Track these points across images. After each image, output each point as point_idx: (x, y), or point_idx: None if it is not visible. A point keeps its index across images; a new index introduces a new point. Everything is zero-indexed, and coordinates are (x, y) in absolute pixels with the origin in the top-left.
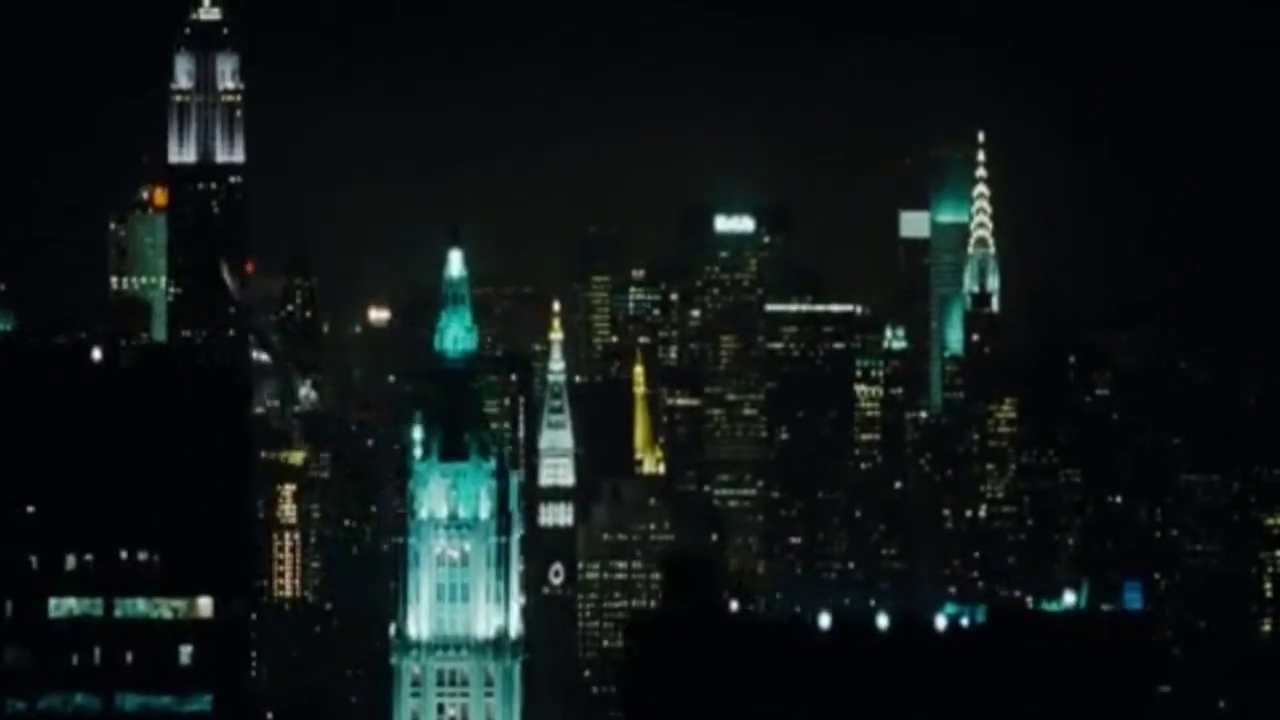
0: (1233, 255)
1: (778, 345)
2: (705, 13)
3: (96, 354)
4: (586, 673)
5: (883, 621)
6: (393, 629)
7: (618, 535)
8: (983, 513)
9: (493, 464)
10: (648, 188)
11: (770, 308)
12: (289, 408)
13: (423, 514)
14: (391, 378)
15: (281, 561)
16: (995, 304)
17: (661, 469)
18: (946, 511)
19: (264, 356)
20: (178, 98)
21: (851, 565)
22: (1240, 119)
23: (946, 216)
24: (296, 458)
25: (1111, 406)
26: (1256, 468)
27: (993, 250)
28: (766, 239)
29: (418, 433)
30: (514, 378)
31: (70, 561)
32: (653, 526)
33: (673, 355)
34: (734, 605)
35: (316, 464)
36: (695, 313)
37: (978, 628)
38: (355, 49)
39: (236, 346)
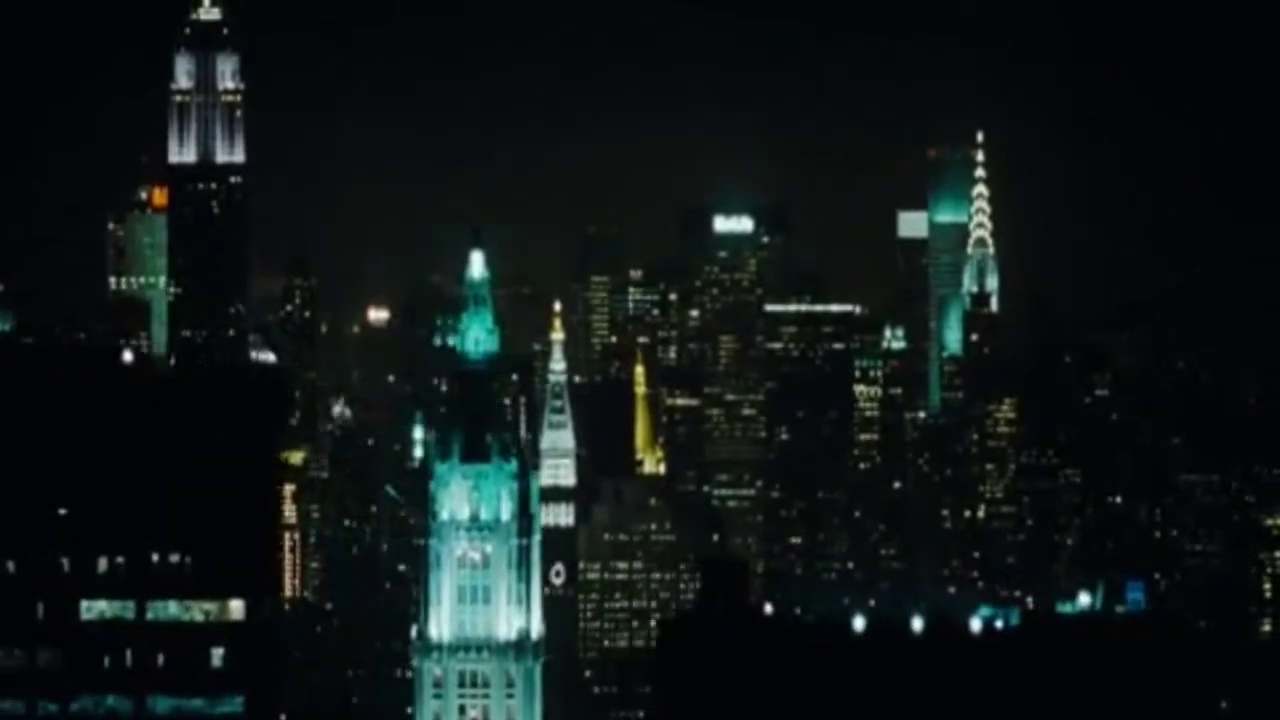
0: (1232, 255)
1: (777, 345)
2: (705, 13)
3: (128, 356)
4: (587, 673)
5: (917, 624)
6: (414, 631)
7: (619, 535)
8: (982, 513)
9: (514, 465)
10: (647, 188)
11: (769, 308)
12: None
13: (444, 516)
14: (391, 377)
15: (281, 562)
16: (994, 304)
17: (662, 469)
18: (945, 512)
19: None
20: (178, 98)
21: (851, 565)
22: (1240, 119)
23: (945, 216)
24: (296, 458)
25: (1111, 407)
26: (1256, 468)
27: (992, 250)
28: (766, 239)
29: (418, 432)
30: (515, 378)
31: (102, 564)
32: (653, 527)
33: (672, 355)
34: (769, 607)
35: (316, 464)
36: (694, 313)
37: (1012, 630)
38: (355, 49)
39: (237, 348)
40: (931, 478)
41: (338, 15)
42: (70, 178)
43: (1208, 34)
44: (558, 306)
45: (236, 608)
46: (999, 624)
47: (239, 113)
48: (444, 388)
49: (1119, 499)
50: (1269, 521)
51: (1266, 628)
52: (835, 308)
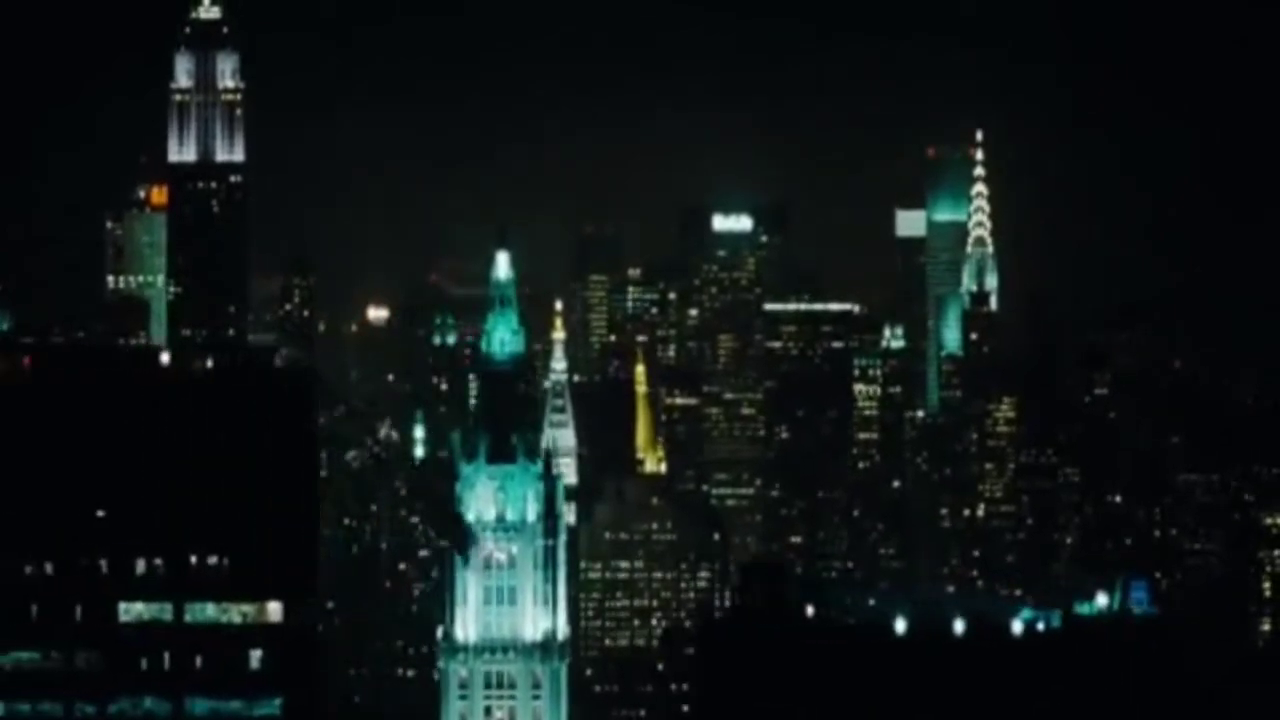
0: (1232, 255)
1: (776, 344)
2: (704, 12)
3: (165, 358)
4: (588, 671)
5: (959, 626)
6: (440, 632)
7: (620, 534)
8: (981, 512)
9: (540, 466)
10: (646, 187)
11: (768, 307)
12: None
13: (470, 516)
14: (390, 376)
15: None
16: (994, 303)
17: (663, 468)
18: (945, 511)
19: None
20: (178, 97)
21: (850, 565)
22: (1240, 119)
23: (944, 215)
24: None
25: (1110, 406)
26: (1255, 467)
27: (991, 249)
28: (765, 238)
29: (419, 431)
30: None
31: (140, 566)
32: (655, 526)
33: (671, 354)
34: (810, 609)
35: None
36: (693, 312)
37: (1053, 632)
38: (355, 49)
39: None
40: (931, 477)
41: (338, 14)
42: (69, 177)
43: (1208, 34)
44: (559, 305)
45: (274, 609)
46: (1040, 626)
47: (239, 112)
48: (444, 386)
49: (1118, 498)
50: (1268, 520)
51: (1266, 627)
52: (834, 307)
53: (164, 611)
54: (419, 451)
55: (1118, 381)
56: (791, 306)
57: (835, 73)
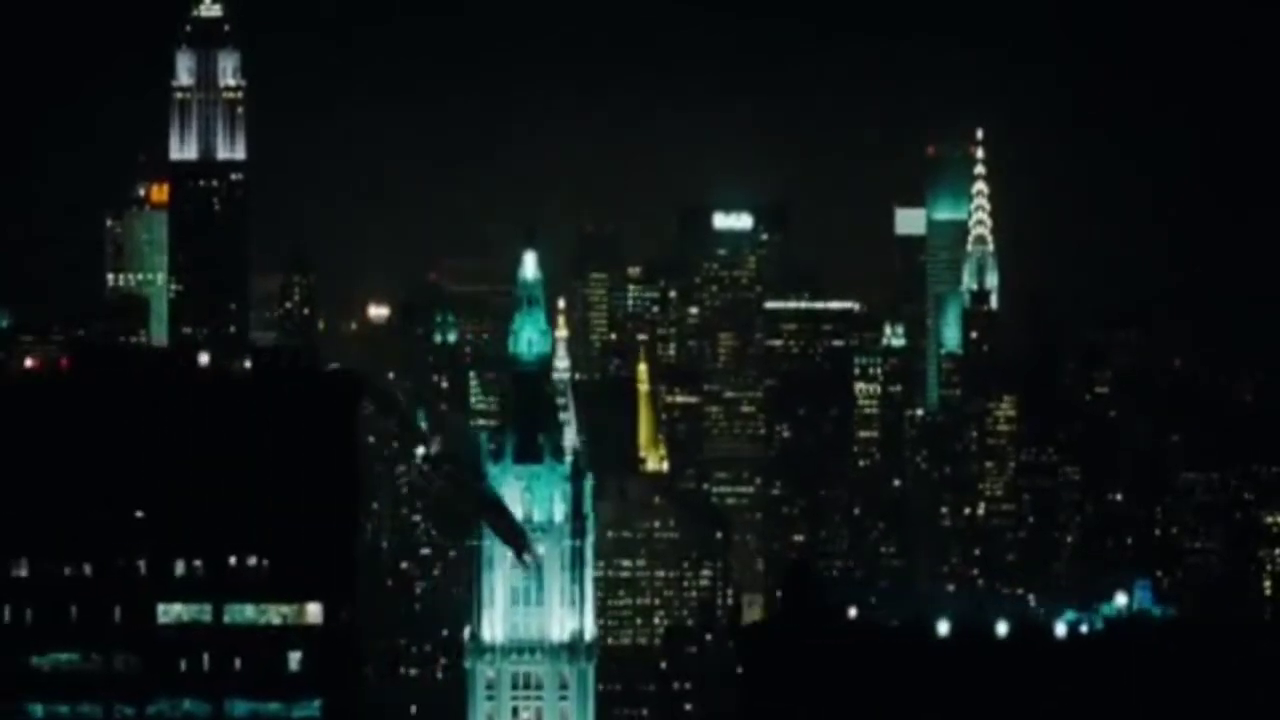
0: (1232, 254)
1: (776, 343)
2: (704, 12)
3: (204, 358)
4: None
5: (1001, 629)
6: (467, 632)
7: (622, 533)
8: (982, 510)
9: (567, 467)
10: (647, 185)
11: (769, 305)
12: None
13: None
14: (391, 374)
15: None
16: (994, 302)
17: (665, 467)
18: (945, 509)
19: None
20: (179, 95)
21: (851, 563)
22: (1240, 118)
23: (943, 214)
24: None
25: (1110, 404)
26: (1255, 466)
27: (991, 248)
28: (765, 237)
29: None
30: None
31: (179, 567)
32: (657, 524)
33: (671, 353)
34: (852, 611)
35: None
36: (694, 310)
37: (1097, 634)
38: (356, 47)
39: (236, 345)
40: (931, 475)
41: (338, 13)
42: (71, 175)
43: (1208, 34)
44: (561, 304)
45: (314, 611)
46: (1084, 629)
47: (240, 110)
48: (444, 384)
49: (1119, 497)
50: (1268, 519)
51: None
52: (834, 305)
53: (203, 613)
54: (420, 449)
55: (1118, 380)
56: (792, 305)
57: (835, 72)
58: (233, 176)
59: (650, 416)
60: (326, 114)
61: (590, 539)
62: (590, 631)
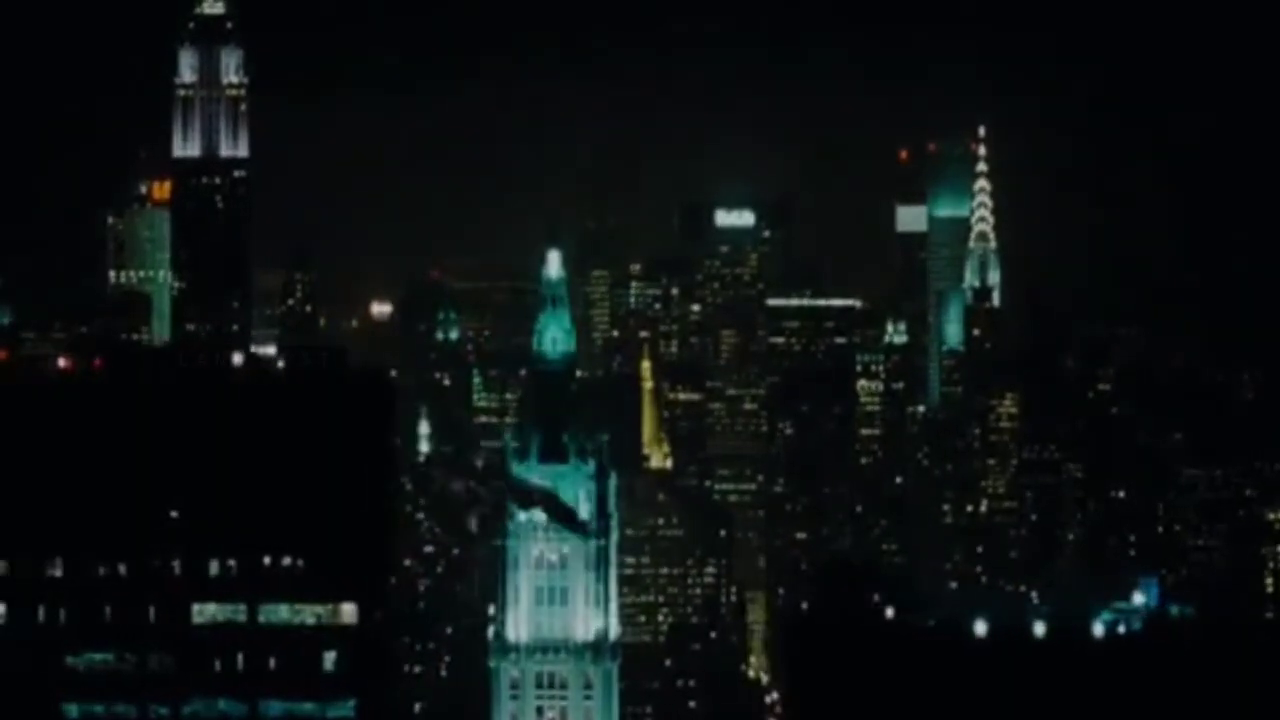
0: (1235, 251)
1: (778, 340)
2: (707, 9)
3: (238, 359)
4: None
5: (1039, 629)
6: (491, 631)
7: (626, 530)
8: (984, 507)
9: (592, 466)
10: (648, 182)
11: (771, 302)
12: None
13: (521, 516)
14: (393, 372)
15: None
16: (996, 298)
17: (669, 464)
18: (947, 506)
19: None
20: (182, 92)
21: (853, 563)
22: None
23: (945, 211)
24: None
25: (1113, 401)
26: (1258, 462)
27: (993, 244)
28: (767, 233)
29: (424, 427)
30: (522, 373)
31: (214, 567)
32: (661, 521)
33: (673, 350)
34: (890, 610)
35: None
36: (696, 307)
37: (1135, 634)
38: (358, 44)
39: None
40: (933, 472)
41: (341, 10)
42: (72, 173)
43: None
44: None
45: (348, 611)
46: (1121, 628)
47: (243, 107)
48: (446, 382)
49: (1121, 494)
50: (1271, 516)
51: None
52: (837, 302)
53: (238, 613)
54: (423, 447)
55: (1120, 377)
56: (794, 302)
57: (837, 68)
58: (235, 174)
59: (653, 414)
60: (329, 111)
61: (615, 538)
62: (615, 631)
